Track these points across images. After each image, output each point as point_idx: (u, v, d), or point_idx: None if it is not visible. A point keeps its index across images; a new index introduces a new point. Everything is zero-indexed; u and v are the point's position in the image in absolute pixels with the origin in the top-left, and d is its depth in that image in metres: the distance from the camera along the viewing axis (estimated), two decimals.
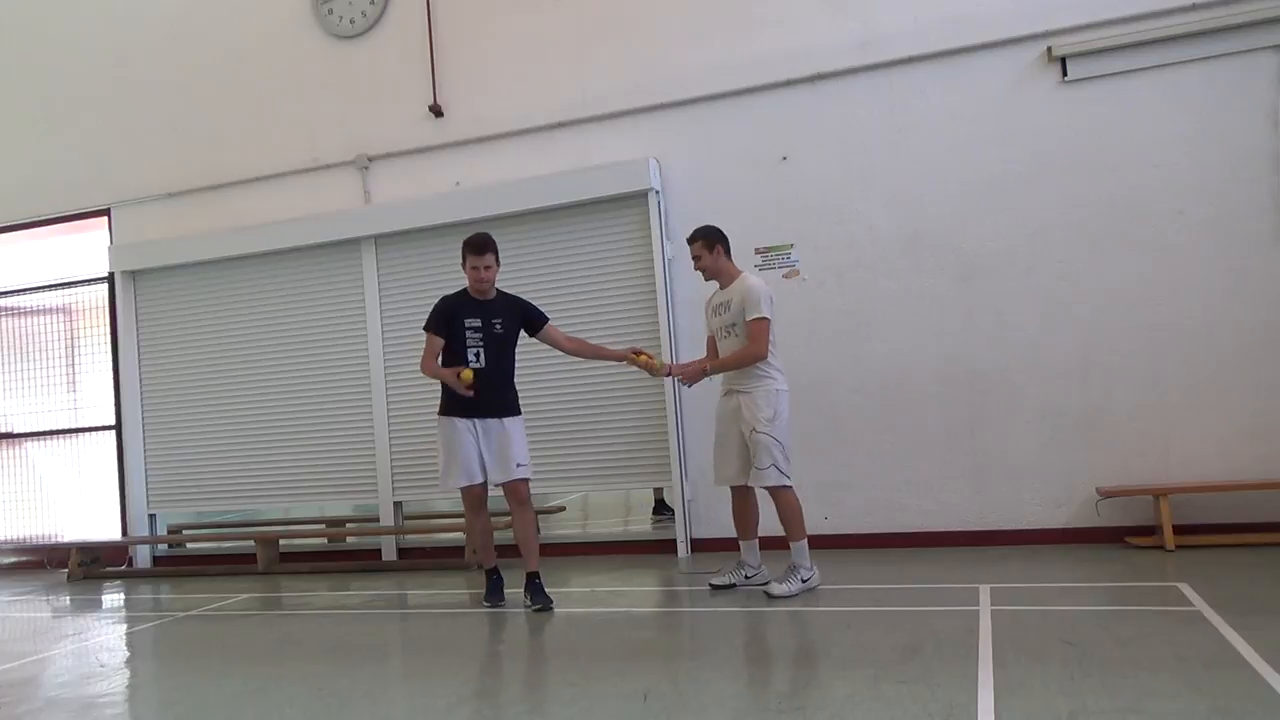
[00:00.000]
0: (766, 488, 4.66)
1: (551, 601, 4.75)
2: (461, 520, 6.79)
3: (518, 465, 4.85)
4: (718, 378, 4.89)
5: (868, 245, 6.07)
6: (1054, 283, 5.73)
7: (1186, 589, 4.26)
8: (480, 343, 4.87)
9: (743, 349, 4.68)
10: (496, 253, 4.93)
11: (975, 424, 5.85)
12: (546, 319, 5.10)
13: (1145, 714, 2.74)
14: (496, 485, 4.93)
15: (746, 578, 4.90)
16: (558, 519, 7.10)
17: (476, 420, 4.84)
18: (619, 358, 5.11)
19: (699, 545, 6.33)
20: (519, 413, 4.98)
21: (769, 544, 6.14)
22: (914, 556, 5.58)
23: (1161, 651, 3.35)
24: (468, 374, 4.73)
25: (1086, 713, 2.78)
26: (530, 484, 4.98)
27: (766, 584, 4.74)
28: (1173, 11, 5.56)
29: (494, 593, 5.02)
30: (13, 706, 3.69)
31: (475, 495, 4.92)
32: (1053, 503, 5.70)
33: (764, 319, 4.65)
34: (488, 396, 4.82)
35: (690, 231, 5.03)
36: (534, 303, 5.14)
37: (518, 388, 5.07)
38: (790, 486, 4.67)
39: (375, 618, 5.16)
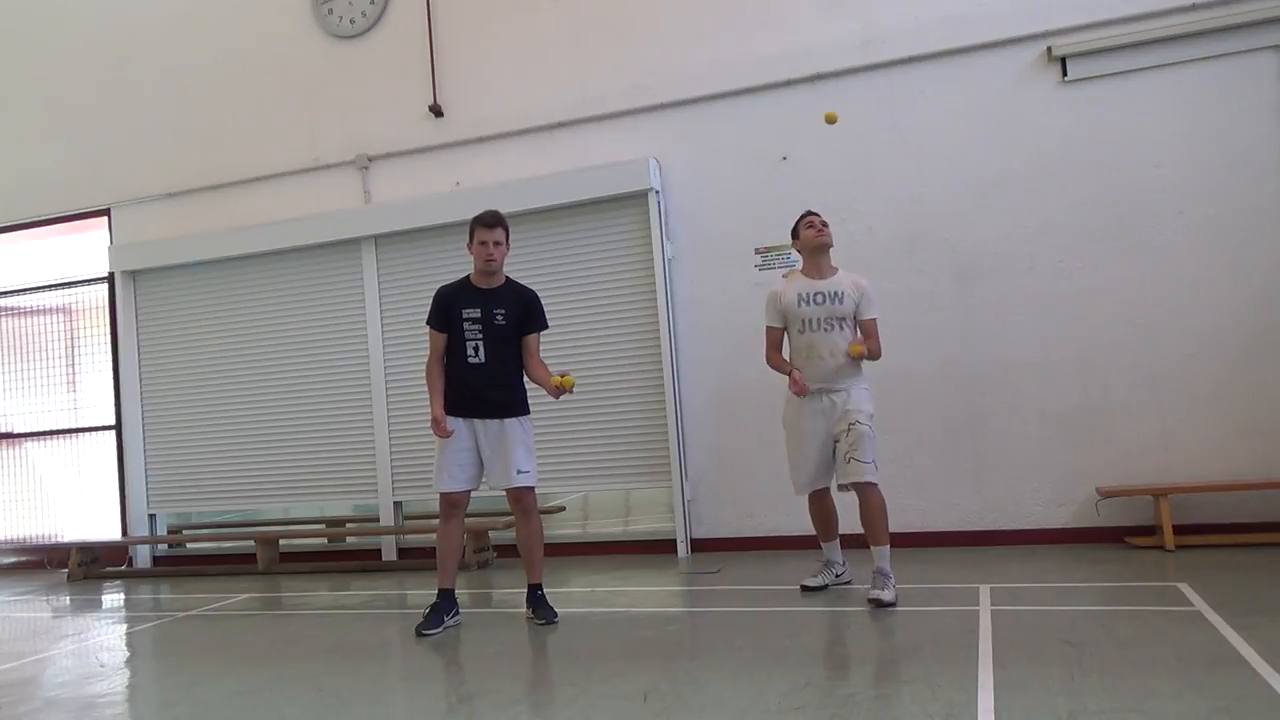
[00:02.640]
0: (862, 484, 4.43)
1: (555, 615, 4.50)
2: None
3: (518, 472, 4.47)
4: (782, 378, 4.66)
5: (868, 245, 6.06)
6: (1054, 283, 5.73)
7: (1186, 589, 4.26)
8: (479, 335, 4.47)
9: (876, 347, 4.57)
10: (508, 231, 4.57)
11: (975, 424, 5.85)
12: (541, 329, 4.65)
13: (1145, 714, 2.74)
14: (498, 490, 4.61)
15: (837, 576, 4.79)
16: (558, 519, 7.09)
17: (476, 421, 4.51)
18: (549, 391, 4.54)
19: (699, 545, 6.33)
20: (524, 413, 4.57)
21: (771, 545, 6.16)
22: (914, 556, 5.57)
23: (1161, 651, 3.35)
24: (569, 380, 4.44)
25: (1086, 713, 2.77)
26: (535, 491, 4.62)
27: (861, 588, 4.58)
28: (1173, 11, 5.56)
29: (431, 618, 4.46)
30: (13, 706, 3.69)
31: (451, 501, 4.51)
32: (1053, 503, 5.70)
33: (878, 319, 4.66)
34: (486, 396, 4.46)
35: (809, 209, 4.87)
36: (544, 309, 4.70)
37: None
38: (880, 490, 4.49)
39: (375, 618, 5.16)
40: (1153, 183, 5.59)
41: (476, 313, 4.49)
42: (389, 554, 7.07)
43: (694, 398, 6.42)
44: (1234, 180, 5.47)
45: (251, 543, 7.19)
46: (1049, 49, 5.75)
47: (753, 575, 5.43)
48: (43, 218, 8.36)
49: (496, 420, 4.51)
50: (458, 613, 4.63)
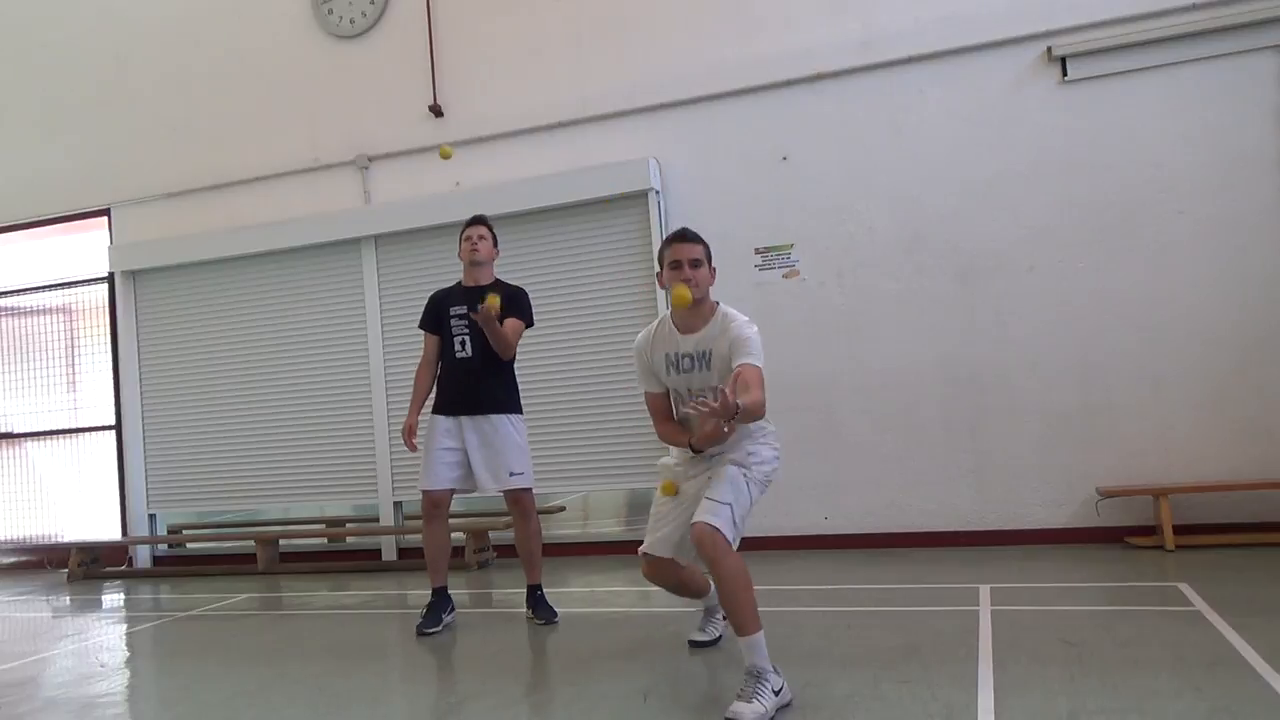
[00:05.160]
0: (707, 528, 3.02)
1: (555, 615, 4.50)
2: (462, 520, 6.80)
3: (511, 474, 4.43)
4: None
5: (868, 245, 6.07)
6: (1054, 283, 5.73)
7: (1186, 589, 4.26)
8: (466, 330, 4.50)
9: (752, 401, 3.00)
10: (492, 230, 4.68)
11: (975, 424, 5.85)
12: (522, 318, 4.55)
13: (1145, 714, 2.74)
14: (492, 492, 4.56)
15: (724, 618, 3.81)
16: (558, 519, 7.09)
17: (464, 419, 4.47)
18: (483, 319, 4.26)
19: None
20: (514, 410, 4.52)
21: (771, 545, 6.16)
22: (914, 556, 5.57)
23: (1161, 651, 3.35)
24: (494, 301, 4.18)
25: (1086, 713, 2.78)
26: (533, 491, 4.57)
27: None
28: (1173, 11, 5.56)
29: (430, 617, 4.46)
30: (13, 706, 3.69)
31: (432, 501, 4.48)
32: (1053, 503, 5.70)
33: (760, 367, 3.17)
34: (473, 392, 4.45)
35: (680, 229, 3.44)
36: (530, 302, 4.65)
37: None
38: (736, 553, 3.07)
39: (375, 618, 5.16)
40: (1153, 183, 5.59)
41: (464, 309, 4.53)
42: (389, 554, 7.07)
43: None
44: (1234, 180, 5.47)
45: (251, 543, 7.19)
46: (1049, 49, 5.75)
47: (753, 575, 5.39)
48: (43, 218, 8.36)
49: (485, 416, 4.48)
50: (453, 609, 4.65)
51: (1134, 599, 4.36)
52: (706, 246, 3.37)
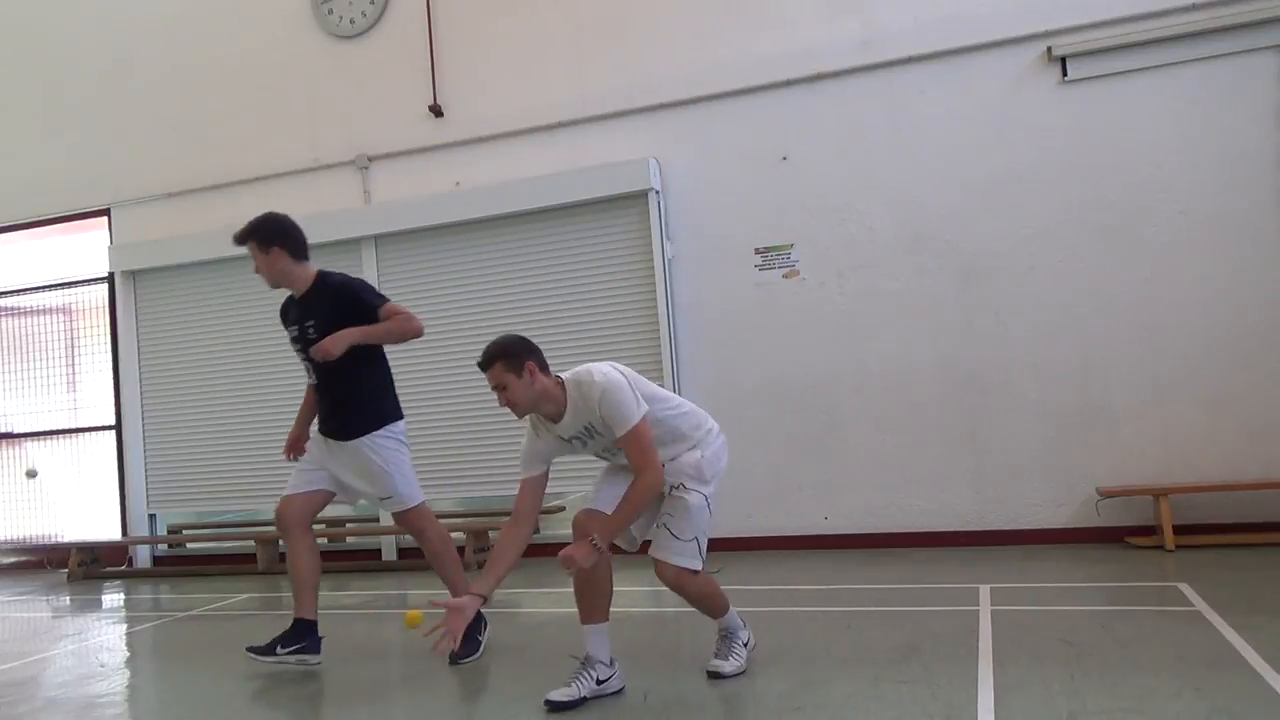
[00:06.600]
0: (673, 573, 3.20)
1: (473, 653, 3.85)
2: (461, 520, 6.80)
3: (382, 500, 4.00)
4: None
5: (868, 245, 6.07)
6: (1054, 283, 5.73)
7: (1186, 589, 4.26)
8: (304, 355, 3.99)
9: (638, 482, 3.08)
10: (260, 238, 4.03)
11: (975, 424, 5.85)
12: (377, 304, 3.91)
13: (1145, 714, 2.74)
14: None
15: (599, 683, 3.26)
16: (558, 519, 7.08)
17: (330, 442, 4.05)
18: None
19: None
20: (374, 427, 3.96)
21: (771, 545, 6.16)
22: (914, 556, 5.57)
23: (1162, 651, 3.35)
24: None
25: (1086, 713, 2.78)
26: (423, 505, 4.09)
27: (711, 666, 3.42)
28: (1173, 11, 5.56)
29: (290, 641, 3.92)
30: (13, 706, 3.69)
31: (279, 515, 4.03)
32: (1053, 503, 5.70)
33: (638, 425, 3.10)
34: (330, 419, 4.03)
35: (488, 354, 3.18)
36: (365, 283, 4.12)
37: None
38: (700, 576, 3.27)
39: (375, 618, 5.16)
40: (1153, 183, 5.59)
41: (295, 330, 4.05)
42: (389, 554, 7.07)
43: (693, 398, 6.36)
44: (1234, 180, 5.46)
45: (251, 543, 7.19)
46: (1049, 49, 5.75)
47: (753, 575, 5.42)
48: (43, 218, 8.35)
49: (341, 445, 4.01)
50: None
51: (1134, 599, 4.36)
52: (505, 358, 3.13)
